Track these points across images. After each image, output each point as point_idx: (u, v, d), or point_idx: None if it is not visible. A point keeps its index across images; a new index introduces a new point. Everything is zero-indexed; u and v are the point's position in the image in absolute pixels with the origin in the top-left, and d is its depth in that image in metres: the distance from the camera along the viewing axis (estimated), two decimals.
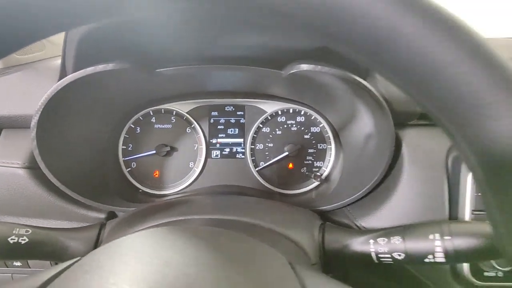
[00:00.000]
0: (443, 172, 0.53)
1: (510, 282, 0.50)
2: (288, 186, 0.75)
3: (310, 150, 0.75)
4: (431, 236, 0.39)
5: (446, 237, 0.38)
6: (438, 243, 0.38)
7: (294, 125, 0.75)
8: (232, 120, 0.75)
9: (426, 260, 0.39)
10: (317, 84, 0.57)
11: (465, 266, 0.50)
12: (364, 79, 0.51)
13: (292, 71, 0.52)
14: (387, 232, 0.43)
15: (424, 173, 0.54)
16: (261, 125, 0.75)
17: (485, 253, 0.37)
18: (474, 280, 0.50)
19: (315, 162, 0.75)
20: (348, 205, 0.59)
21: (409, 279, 0.52)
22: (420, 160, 0.55)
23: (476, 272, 0.50)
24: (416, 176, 0.54)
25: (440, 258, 0.38)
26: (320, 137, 0.75)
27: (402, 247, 0.40)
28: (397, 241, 0.41)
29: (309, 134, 0.75)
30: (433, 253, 0.38)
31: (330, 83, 0.55)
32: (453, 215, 0.52)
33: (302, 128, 0.75)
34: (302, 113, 0.75)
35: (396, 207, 0.54)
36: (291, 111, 0.75)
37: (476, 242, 0.37)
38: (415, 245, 0.40)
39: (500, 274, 0.50)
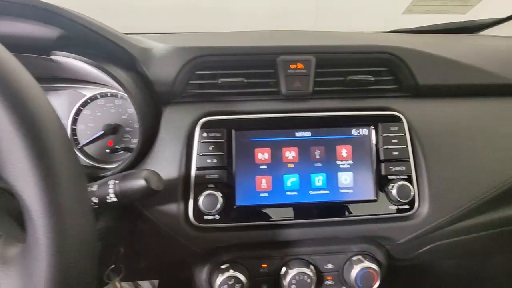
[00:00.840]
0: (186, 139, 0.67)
1: (224, 223, 0.65)
2: (107, 164, 0.86)
3: (127, 129, 0.87)
4: (110, 181, 0.52)
5: (116, 181, 0.52)
6: (111, 186, 0.52)
7: (112, 107, 0.87)
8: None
9: (108, 200, 0.52)
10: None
11: (190, 212, 0.64)
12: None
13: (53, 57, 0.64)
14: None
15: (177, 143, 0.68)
16: (81, 108, 0.86)
17: (140, 192, 0.51)
18: (196, 222, 0.65)
19: (132, 139, 0.87)
20: None
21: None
22: (174, 132, 0.68)
23: (198, 216, 0.64)
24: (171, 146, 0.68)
25: (113, 198, 0.52)
26: (135, 117, 0.86)
27: (94, 194, 0.53)
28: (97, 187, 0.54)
29: (126, 115, 0.87)
30: (108, 194, 0.52)
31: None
32: (187, 173, 0.66)
33: (120, 110, 0.87)
34: (119, 96, 0.86)
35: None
36: (109, 95, 0.86)
37: (134, 184, 0.51)
38: (102, 190, 0.53)
39: (216, 217, 0.65)
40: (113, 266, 0.66)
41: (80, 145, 0.85)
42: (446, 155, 0.71)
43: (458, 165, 0.71)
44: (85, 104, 0.86)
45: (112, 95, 0.86)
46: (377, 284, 0.68)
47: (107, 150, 0.83)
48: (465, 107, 0.76)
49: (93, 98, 0.86)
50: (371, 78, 0.73)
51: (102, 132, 0.84)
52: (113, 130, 0.85)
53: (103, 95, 0.86)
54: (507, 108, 0.78)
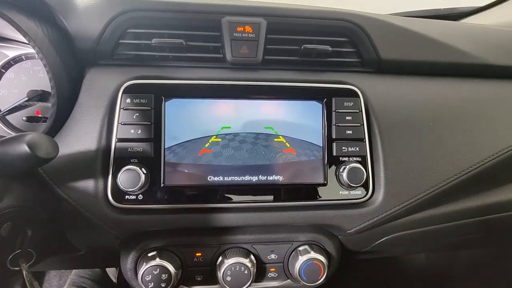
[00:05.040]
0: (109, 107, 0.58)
1: (149, 204, 0.57)
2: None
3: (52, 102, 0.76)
4: None
5: None
6: None
7: (40, 72, 0.76)
8: None
9: None
10: None
11: (109, 192, 0.55)
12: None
13: None
14: None
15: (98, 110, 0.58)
16: (3, 70, 0.74)
17: (24, 159, 0.42)
18: (115, 202, 0.55)
19: None
20: None
21: None
22: (95, 97, 0.59)
23: (118, 195, 0.55)
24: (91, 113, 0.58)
25: None
26: None
27: None
28: None
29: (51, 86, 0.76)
30: None
31: None
32: (107, 145, 0.57)
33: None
34: (43, 64, 0.75)
35: None
36: (36, 57, 0.75)
37: (14, 150, 0.41)
38: None
39: (140, 197, 0.56)
40: (18, 251, 0.57)
41: (0, 113, 0.75)
42: (405, 138, 0.64)
43: (418, 149, 0.64)
44: (7, 66, 0.75)
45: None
46: (323, 277, 0.62)
47: (24, 118, 0.72)
48: (430, 87, 0.69)
49: (17, 60, 0.75)
50: (329, 48, 0.64)
51: (26, 98, 0.74)
52: (40, 97, 0.74)
53: (29, 57, 0.75)
54: (475, 91, 0.71)
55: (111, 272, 1.39)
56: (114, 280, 1.38)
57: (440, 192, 0.64)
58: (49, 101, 0.75)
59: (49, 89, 0.74)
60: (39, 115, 0.75)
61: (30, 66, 0.75)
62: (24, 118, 0.72)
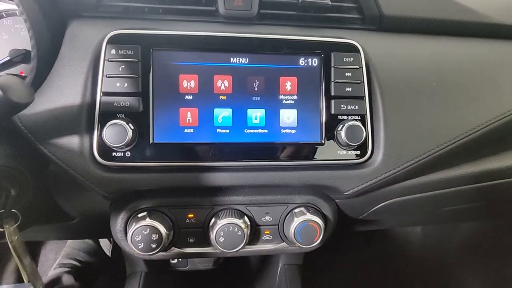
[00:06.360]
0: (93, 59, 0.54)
1: (138, 162, 0.54)
2: None
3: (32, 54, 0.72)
4: None
5: None
6: None
7: (23, 30, 0.71)
8: None
9: None
10: None
11: (95, 150, 0.53)
12: None
13: None
14: None
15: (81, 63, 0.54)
16: None
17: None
18: (102, 159, 0.53)
19: None
20: None
21: None
22: (78, 49, 0.55)
23: (104, 152, 0.53)
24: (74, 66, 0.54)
25: None
26: None
27: None
28: None
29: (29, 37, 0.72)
30: None
31: None
32: (92, 100, 0.54)
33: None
34: (18, 12, 0.70)
35: None
36: (17, 13, 0.70)
37: None
38: None
39: (128, 154, 0.53)
40: (1, 210, 0.55)
41: None
42: (407, 97, 0.61)
43: (419, 109, 0.61)
44: None
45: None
46: (319, 239, 0.60)
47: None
48: (433, 47, 0.66)
49: None
50: (329, 2, 0.61)
51: (8, 58, 0.70)
52: (23, 57, 0.70)
53: (10, 14, 0.70)
54: (480, 51, 0.68)
55: (106, 246, 1.39)
56: (108, 253, 1.38)
57: (440, 155, 0.61)
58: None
59: None
60: (23, 75, 0.72)
61: (12, 23, 0.70)
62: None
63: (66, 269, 1.22)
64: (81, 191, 0.60)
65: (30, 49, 0.70)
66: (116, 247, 1.36)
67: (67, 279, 1.19)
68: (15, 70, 0.73)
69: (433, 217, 0.93)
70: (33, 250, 1.40)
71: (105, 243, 1.37)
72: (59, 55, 0.55)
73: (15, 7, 0.69)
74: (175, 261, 1.04)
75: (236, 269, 1.14)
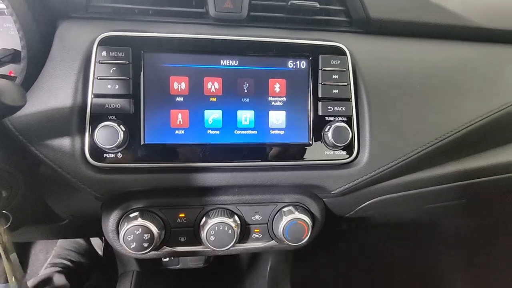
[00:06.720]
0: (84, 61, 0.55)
1: (129, 163, 0.55)
2: None
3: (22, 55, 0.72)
4: None
5: None
6: None
7: (11, 29, 0.71)
8: None
9: None
10: None
11: (87, 151, 0.53)
12: None
13: None
14: None
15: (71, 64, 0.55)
16: None
17: None
18: (93, 161, 0.53)
19: None
20: None
21: None
22: (68, 51, 0.55)
23: (96, 153, 0.53)
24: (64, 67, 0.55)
25: None
26: None
27: None
28: None
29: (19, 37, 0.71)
30: None
31: None
32: (83, 101, 0.54)
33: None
34: (8, 12, 0.70)
35: None
36: (6, 12, 0.70)
37: None
38: None
39: (119, 155, 0.54)
40: None
41: None
42: (392, 99, 0.63)
43: (404, 111, 0.63)
44: None
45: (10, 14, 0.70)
46: (308, 237, 0.62)
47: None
48: (418, 50, 0.68)
49: None
50: (317, 5, 0.62)
51: None
52: (12, 57, 0.70)
53: None
54: (463, 54, 0.70)
55: (97, 245, 1.38)
56: (100, 253, 1.38)
57: (424, 155, 0.64)
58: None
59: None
60: (13, 75, 0.71)
61: (0, 23, 0.70)
62: None
63: (58, 268, 1.22)
64: (72, 192, 0.61)
65: (20, 49, 0.70)
66: (107, 246, 1.36)
67: (59, 279, 1.19)
68: (3, 70, 0.73)
69: (417, 214, 0.96)
70: (23, 250, 1.39)
71: (96, 242, 1.37)
72: (49, 56, 0.55)
73: (2, 6, 0.68)
74: (167, 259, 1.05)
75: (227, 267, 1.16)
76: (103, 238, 1.36)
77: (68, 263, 1.26)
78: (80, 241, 1.35)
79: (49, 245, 1.40)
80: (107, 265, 1.27)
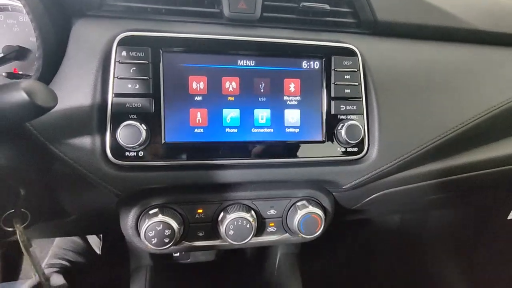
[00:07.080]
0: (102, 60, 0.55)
1: (150, 161, 0.56)
2: None
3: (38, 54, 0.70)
4: None
5: None
6: None
7: (16, 26, 0.69)
8: None
9: None
10: None
11: (108, 147, 0.54)
12: None
13: None
14: None
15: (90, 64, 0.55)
16: None
17: (21, 108, 0.39)
18: (115, 159, 0.54)
19: None
20: None
21: None
22: (86, 50, 0.55)
23: (117, 152, 0.54)
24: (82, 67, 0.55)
25: None
26: None
27: None
28: None
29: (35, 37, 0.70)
30: None
31: None
32: (103, 101, 0.54)
33: (27, 30, 0.69)
34: (25, 11, 0.69)
35: None
36: (10, 8, 0.68)
37: (10, 98, 0.39)
38: None
39: (140, 153, 0.55)
40: (12, 210, 0.55)
41: None
42: (399, 98, 0.66)
43: (410, 109, 0.67)
44: None
45: (14, 10, 0.68)
46: (321, 229, 0.65)
47: (3, 74, 0.67)
48: (422, 50, 0.71)
49: None
50: (327, 7, 0.64)
51: (2, 54, 0.68)
52: (16, 54, 0.68)
53: (2, 9, 0.68)
54: (464, 55, 0.74)
55: (95, 243, 1.37)
56: (98, 252, 1.36)
57: (430, 150, 0.68)
58: (26, 58, 0.69)
59: (26, 45, 0.69)
60: (18, 73, 0.70)
61: (3, 19, 0.68)
62: (3, 74, 0.67)
63: (55, 269, 1.20)
64: (87, 189, 0.61)
65: (23, 45, 0.69)
66: (105, 244, 1.35)
67: (56, 279, 1.17)
68: (8, 67, 0.71)
69: (416, 206, 1.01)
70: (18, 251, 1.36)
71: (94, 241, 1.36)
72: (66, 55, 0.55)
73: (4, 2, 0.66)
74: (177, 254, 1.06)
75: (236, 259, 1.18)
76: (101, 236, 1.34)
77: (66, 263, 1.24)
78: (77, 240, 1.33)
79: (44, 244, 1.37)
80: (105, 263, 1.26)
